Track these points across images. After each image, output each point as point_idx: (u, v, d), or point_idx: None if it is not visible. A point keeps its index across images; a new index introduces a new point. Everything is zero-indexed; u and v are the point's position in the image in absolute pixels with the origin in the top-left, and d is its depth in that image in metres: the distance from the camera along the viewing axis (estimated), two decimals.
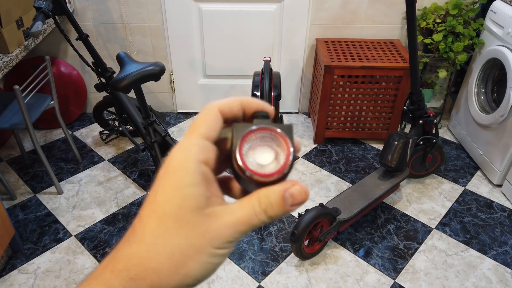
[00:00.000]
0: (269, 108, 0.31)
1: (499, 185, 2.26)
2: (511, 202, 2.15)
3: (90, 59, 2.14)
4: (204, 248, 0.27)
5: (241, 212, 0.28)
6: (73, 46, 2.08)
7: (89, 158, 2.43)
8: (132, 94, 2.56)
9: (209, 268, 0.27)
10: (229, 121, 0.30)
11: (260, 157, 0.28)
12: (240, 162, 0.28)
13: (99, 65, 2.15)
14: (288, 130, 0.29)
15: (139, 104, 1.79)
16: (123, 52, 1.81)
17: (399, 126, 2.53)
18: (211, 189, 0.28)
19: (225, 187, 0.33)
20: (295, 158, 0.29)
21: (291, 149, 0.28)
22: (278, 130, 0.29)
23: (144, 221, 0.27)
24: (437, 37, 2.38)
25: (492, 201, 2.17)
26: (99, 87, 2.20)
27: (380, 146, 2.58)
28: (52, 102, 2.16)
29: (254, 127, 0.28)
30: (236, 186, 0.33)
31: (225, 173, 0.33)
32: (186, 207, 0.26)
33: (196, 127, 0.29)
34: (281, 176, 0.28)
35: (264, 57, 2.18)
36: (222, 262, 0.28)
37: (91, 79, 2.74)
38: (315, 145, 2.58)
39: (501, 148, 2.17)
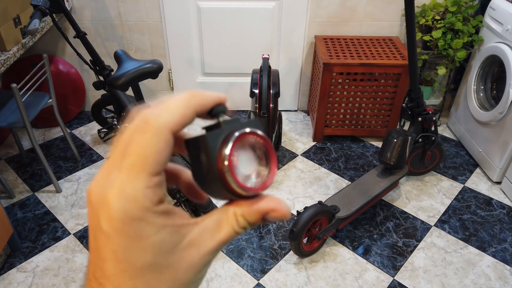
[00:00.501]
0: (224, 99, 0.27)
1: (498, 182, 2.26)
2: (510, 199, 2.15)
3: (88, 57, 2.13)
4: (192, 279, 0.25)
5: (221, 233, 0.25)
6: (71, 44, 2.07)
7: (87, 157, 2.43)
8: (130, 92, 2.55)
9: (198, 287, 0.27)
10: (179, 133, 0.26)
11: (244, 167, 0.25)
12: (231, 181, 0.24)
13: (97, 63, 2.14)
14: (261, 128, 0.26)
15: (137, 102, 1.78)
16: (120, 49, 1.80)
17: (398, 123, 2.53)
18: (175, 218, 0.25)
19: (170, 179, 0.29)
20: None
21: (276, 155, 0.27)
22: (263, 134, 0.26)
23: (116, 282, 0.23)
24: (436, 34, 2.38)
25: (491, 198, 2.17)
26: (97, 85, 2.19)
27: (379, 144, 2.57)
28: (50, 100, 2.15)
29: (245, 131, 0.25)
30: (181, 180, 0.30)
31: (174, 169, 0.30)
32: (161, 254, 0.23)
33: (141, 163, 0.23)
34: (268, 186, 0.26)
35: (263, 55, 2.17)
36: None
37: (89, 77, 2.73)
38: (314, 143, 2.58)
39: (500, 145, 2.17)
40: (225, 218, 0.26)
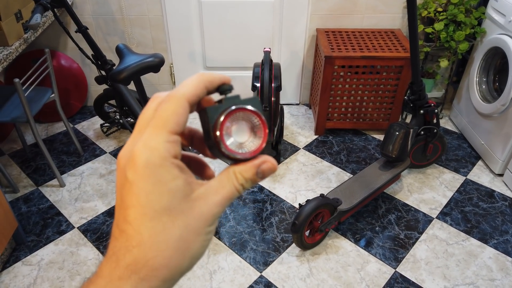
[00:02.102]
0: (228, 79, 0.32)
1: (501, 175, 2.26)
2: None
3: (89, 52, 2.14)
4: (201, 229, 0.29)
5: (224, 190, 0.30)
6: (73, 38, 2.07)
7: (90, 151, 2.44)
8: (133, 86, 2.56)
9: (207, 244, 0.30)
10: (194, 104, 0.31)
11: (238, 136, 0.30)
12: (222, 146, 0.30)
13: (98, 58, 2.15)
14: (258, 105, 0.31)
15: (139, 96, 1.79)
16: (122, 44, 1.80)
17: (400, 116, 2.53)
18: (188, 175, 0.29)
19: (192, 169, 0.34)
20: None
21: (267, 130, 0.31)
22: (254, 109, 0.30)
23: (136, 225, 0.27)
24: (438, 26, 2.37)
25: (493, 191, 2.17)
26: (99, 80, 2.19)
27: (381, 137, 2.57)
28: (53, 95, 2.16)
29: (232, 108, 0.30)
30: (204, 169, 0.36)
31: (189, 155, 0.35)
32: (176, 200, 0.28)
33: (163, 123, 0.28)
34: (260, 153, 0.31)
35: (264, 48, 2.17)
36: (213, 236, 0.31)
37: (91, 72, 2.74)
38: (316, 136, 2.58)
39: (503, 137, 2.16)
40: (226, 177, 0.30)
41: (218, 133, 0.29)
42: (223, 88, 0.31)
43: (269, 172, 0.31)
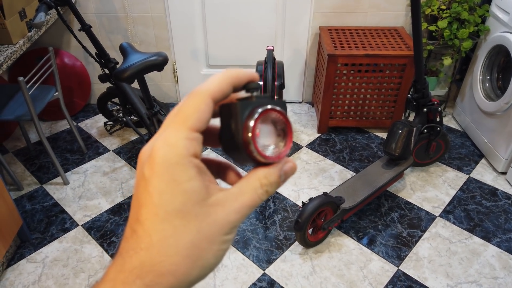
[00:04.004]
0: (257, 76, 0.30)
1: (504, 173, 2.26)
2: None
3: (93, 50, 2.14)
4: (216, 237, 0.27)
5: (244, 196, 0.28)
6: (76, 37, 2.08)
7: (94, 149, 2.45)
8: (136, 85, 2.56)
9: (221, 255, 0.28)
10: (219, 102, 0.29)
11: (264, 137, 0.29)
12: (252, 148, 0.28)
13: (102, 56, 2.15)
14: (285, 108, 0.30)
15: (143, 94, 1.79)
16: (126, 42, 1.81)
17: (403, 114, 2.52)
18: (206, 177, 0.28)
19: (215, 172, 0.32)
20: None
21: (292, 134, 0.30)
22: (282, 110, 0.29)
23: (147, 226, 0.26)
24: (442, 24, 2.36)
25: (497, 189, 2.17)
26: (102, 78, 2.20)
27: (384, 135, 2.57)
28: (57, 93, 2.17)
29: (261, 109, 0.28)
30: (228, 173, 0.33)
31: (213, 158, 0.33)
32: (190, 202, 0.26)
33: (185, 118, 0.27)
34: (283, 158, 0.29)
35: (267, 46, 2.17)
36: (230, 246, 0.29)
37: (94, 70, 2.74)
38: (318, 134, 2.58)
39: (506, 135, 2.16)
40: (247, 183, 0.28)
41: (250, 133, 0.27)
42: (251, 86, 0.30)
43: (291, 173, 0.30)
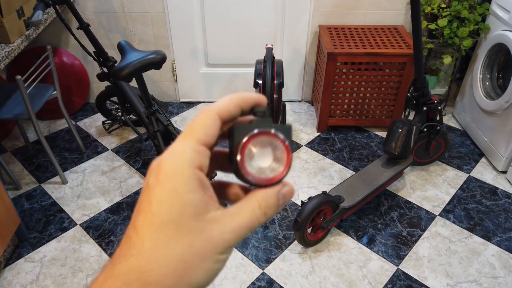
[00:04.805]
0: (264, 101, 0.31)
1: (504, 172, 2.25)
2: None
3: (91, 49, 2.13)
4: (208, 254, 0.26)
5: (242, 216, 0.28)
6: (74, 35, 2.07)
7: (92, 148, 2.44)
8: (134, 83, 2.56)
9: (212, 275, 0.27)
10: (227, 122, 0.30)
11: (260, 160, 0.29)
12: (241, 169, 0.28)
13: (100, 55, 2.14)
14: (287, 132, 0.30)
15: (141, 93, 1.79)
16: (124, 40, 1.80)
17: (403, 113, 2.51)
18: (208, 193, 0.27)
19: (219, 192, 0.32)
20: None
21: (291, 155, 0.30)
22: (279, 134, 0.29)
23: (141, 233, 0.26)
24: (442, 22, 2.35)
25: (497, 188, 2.16)
26: (101, 77, 2.19)
27: (383, 134, 2.56)
28: (55, 92, 2.16)
29: (255, 131, 0.29)
30: (230, 191, 0.33)
31: (218, 179, 0.33)
32: (187, 215, 0.26)
33: (192, 131, 0.28)
34: (281, 179, 0.30)
35: (266, 45, 2.16)
36: (223, 267, 0.28)
37: (93, 69, 2.74)
38: (318, 133, 2.57)
39: (506, 134, 2.15)
40: (246, 204, 0.29)
41: (239, 155, 0.28)
42: (256, 109, 0.31)
43: (289, 196, 0.30)
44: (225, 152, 0.33)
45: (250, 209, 0.28)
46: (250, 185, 0.30)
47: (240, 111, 0.30)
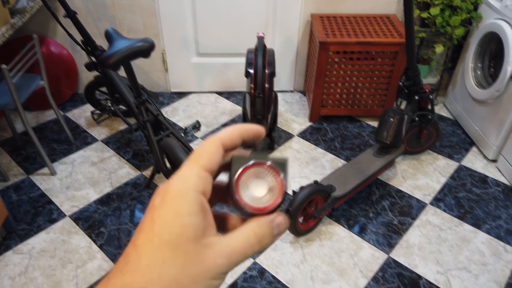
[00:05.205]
0: (263, 132, 0.34)
1: (494, 160, 2.26)
2: (506, 177, 2.16)
3: (79, 38, 2.09)
4: (200, 278, 0.27)
5: (236, 243, 0.29)
6: (61, 24, 2.02)
7: (82, 139, 2.41)
8: (124, 73, 2.51)
9: None
10: (229, 150, 0.32)
11: (255, 190, 0.31)
12: (237, 197, 0.30)
13: (88, 44, 2.10)
14: (283, 164, 0.32)
15: (130, 82, 1.75)
16: (111, 28, 1.76)
17: (395, 102, 2.51)
18: (207, 219, 0.29)
19: (219, 224, 0.33)
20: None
21: (285, 185, 0.31)
22: (273, 165, 0.31)
23: (140, 250, 0.27)
24: (434, 11, 2.34)
25: (487, 176, 2.17)
26: (89, 66, 2.15)
27: (375, 123, 2.56)
28: (42, 82, 2.12)
29: (250, 163, 0.31)
30: (230, 223, 0.34)
31: (218, 210, 0.34)
32: (185, 237, 0.27)
33: (198, 158, 0.30)
34: (274, 209, 0.31)
35: (258, 34, 2.13)
36: None
37: (82, 58, 2.69)
38: (310, 123, 2.56)
39: (497, 123, 2.16)
40: (241, 231, 0.30)
41: (235, 185, 0.30)
42: (256, 143, 0.34)
43: (283, 226, 0.31)
44: (225, 184, 0.35)
45: (245, 236, 0.29)
46: (246, 215, 0.31)
47: (241, 140, 0.33)
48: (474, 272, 1.69)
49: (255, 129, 0.33)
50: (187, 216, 0.27)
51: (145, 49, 1.58)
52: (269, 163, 0.31)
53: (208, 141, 0.31)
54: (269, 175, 0.31)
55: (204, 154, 0.30)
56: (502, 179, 2.16)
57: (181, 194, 0.28)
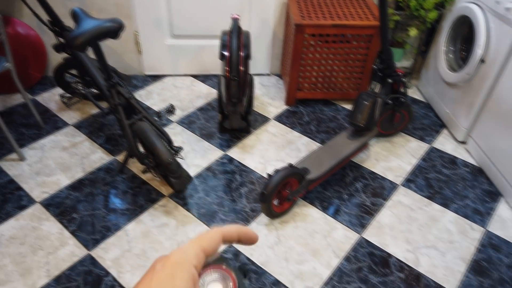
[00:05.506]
0: (256, 240, 0.42)
1: (464, 142, 2.33)
2: (474, 158, 2.23)
3: (47, 18, 2.00)
4: None
5: None
6: (26, 3, 1.93)
7: (52, 123, 2.34)
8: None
9: None
10: (227, 242, 0.39)
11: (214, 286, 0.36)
12: None
13: (56, 24, 2.02)
14: (240, 273, 0.37)
15: (99, 64, 1.70)
16: (78, 8, 1.69)
17: (369, 85, 2.53)
18: None
19: None
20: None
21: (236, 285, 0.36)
22: (230, 270, 0.37)
23: None
24: None
25: (456, 158, 2.24)
26: (57, 48, 2.07)
27: (350, 107, 2.58)
28: (7, 64, 2.03)
29: (209, 262, 0.38)
30: None
31: None
32: None
33: (200, 240, 0.36)
34: None
35: (232, 15, 2.09)
36: None
37: (50, 39, 2.58)
38: (286, 107, 2.56)
39: (467, 106, 2.21)
40: None
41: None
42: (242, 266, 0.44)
43: None
44: None
45: None
46: None
47: (238, 239, 0.40)
48: (442, 250, 1.75)
49: (252, 236, 0.41)
50: (179, 281, 0.32)
51: (114, 30, 1.53)
52: (225, 266, 0.37)
53: (213, 230, 0.38)
54: (226, 277, 0.37)
55: (206, 239, 0.36)
56: (470, 160, 2.23)
57: (179, 263, 0.33)
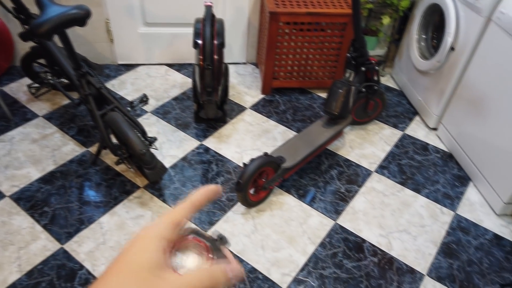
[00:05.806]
0: (220, 190, 0.43)
1: (435, 129, 2.39)
2: (445, 144, 2.29)
3: (11, 5, 1.92)
4: None
5: (188, 278, 0.35)
6: None
7: (21, 115, 2.26)
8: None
9: None
10: (199, 207, 0.40)
11: (185, 260, 0.37)
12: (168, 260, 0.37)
13: (21, 11, 1.94)
14: (217, 246, 0.40)
15: (67, 53, 1.64)
16: None
17: (344, 74, 2.56)
18: (168, 261, 0.36)
19: None
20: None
21: (209, 252, 0.38)
22: (208, 244, 0.39)
23: (106, 279, 0.33)
24: None
25: (428, 144, 2.30)
26: (23, 36, 2.00)
27: (326, 95, 2.60)
28: None
29: (190, 236, 0.39)
30: None
31: None
32: (147, 267, 0.33)
33: (169, 214, 0.38)
34: None
35: (205, 2, 2.06)
36: None
37: (16, 27, 2.48)
38: (262, 96, 2.56)
39: (437, 93, 2.26)
40: (196, 272, 0.36)
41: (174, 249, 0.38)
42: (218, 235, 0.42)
43: (237, 272, 0.38)
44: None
45: (199, 272, 0.36)
46: None
47: (208, 200, 0.41)
48: (413, 234, 1.81)
49: (214, 188, 0.42)
50: (150, 252, 0.34)
51: (80, 17, 1.48)
52: (206, 242, 0.38)
53: (181, 203, 0.40)
54: (202, 252, 0.38)
55: (174, 211, 0.38)
56: (441, 146, 2.29)
57: (148, 237, 0.35)
